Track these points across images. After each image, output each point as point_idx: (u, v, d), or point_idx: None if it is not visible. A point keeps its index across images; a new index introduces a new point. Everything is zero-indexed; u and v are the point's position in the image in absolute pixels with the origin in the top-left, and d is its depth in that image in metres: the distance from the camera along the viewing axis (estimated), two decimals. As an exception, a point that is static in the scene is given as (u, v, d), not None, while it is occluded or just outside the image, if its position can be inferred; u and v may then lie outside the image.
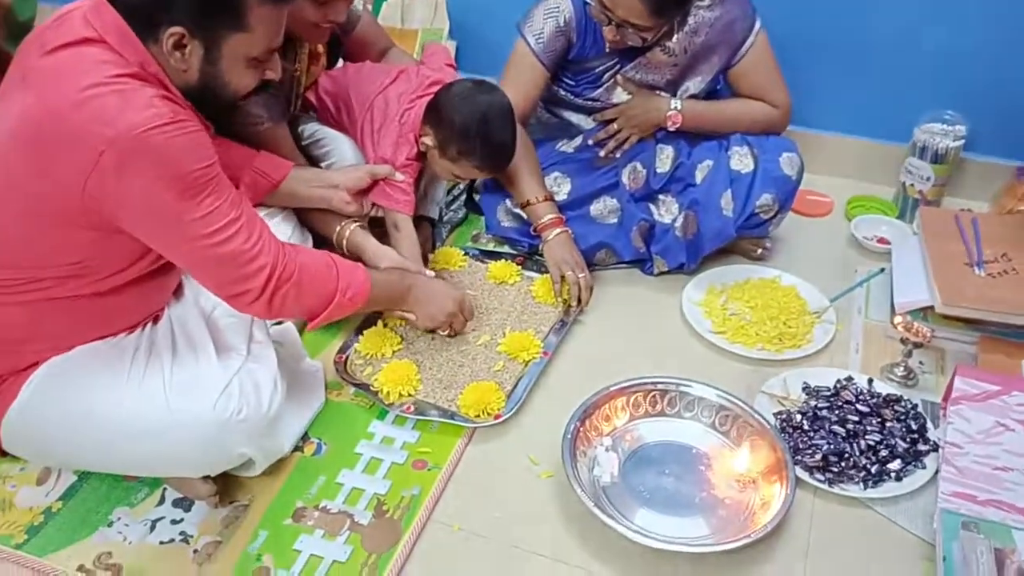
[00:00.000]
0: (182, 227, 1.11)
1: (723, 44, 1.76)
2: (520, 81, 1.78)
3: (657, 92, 1.82)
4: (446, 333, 1.60)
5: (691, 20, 1.72)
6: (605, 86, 1.83)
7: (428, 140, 1.63)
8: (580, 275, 1.70)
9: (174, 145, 1.06)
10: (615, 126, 1.84)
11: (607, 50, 1.76)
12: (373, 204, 1.68)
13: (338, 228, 1.63)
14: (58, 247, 1.12)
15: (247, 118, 1.55)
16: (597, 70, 1.81)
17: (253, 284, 1.18)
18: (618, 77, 1.80)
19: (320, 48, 1.73)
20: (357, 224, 1.64)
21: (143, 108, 1.04)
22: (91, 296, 1.19)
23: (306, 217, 1.67)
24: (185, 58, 1.12)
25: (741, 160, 1.75)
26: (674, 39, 1.73)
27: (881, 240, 1.97)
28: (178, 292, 1.39)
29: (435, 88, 1.65)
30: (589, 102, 1.86)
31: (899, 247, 1.86)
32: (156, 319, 1.33)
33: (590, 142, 1.87)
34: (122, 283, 1.21)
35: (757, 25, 1.77)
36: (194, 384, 1.22)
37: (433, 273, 1.66)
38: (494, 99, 1.61)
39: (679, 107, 1.79)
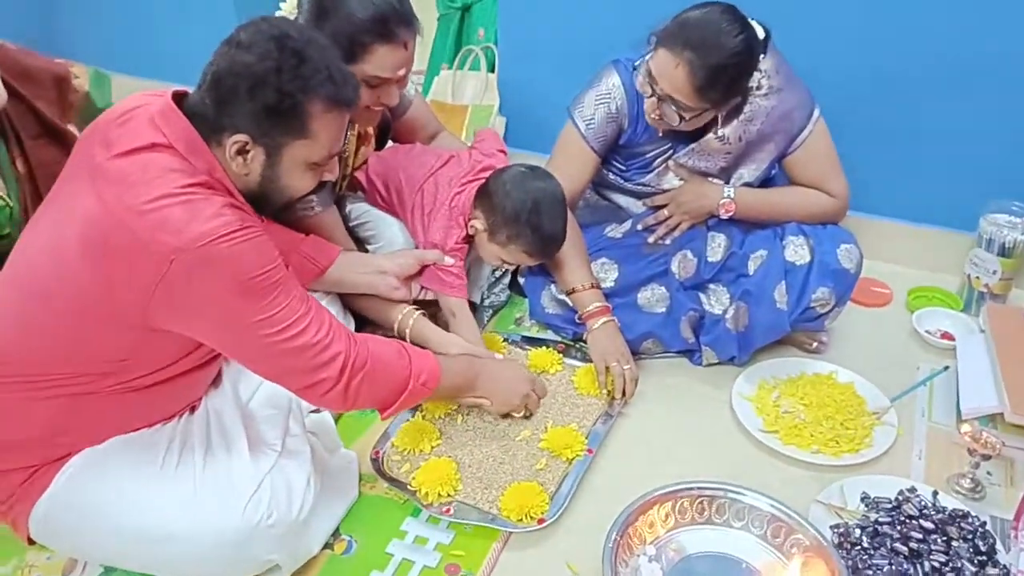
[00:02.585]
0: (252, 329, 1.11)
1: (780, 133, 1.72)
2: (569, 165, 1.76)
3: (710, 179, 1.77)
4: (521, 415, 1.56)
5: (747, 108, 1.68)
6: (656, 171, 1.80)
7: (478, 224, 1.62)
8: (625, 367, 1.64)
9: (240, 252, 1.06)
10: (665, 212, 1.80)
11: (659, 135, 1.73)
12: (420, 288, 1.66)
13: (400, 316, 1.62)
14: (103, 346, 1.12)
15: (297, 204, 1.55)
16: (648, 155, 1.79)
17: (329, 372, 1.17)
18: (670, 163, 1.77)
19: (370, 129, 1.73)
20: (419, 312, 1.62)
21: (211, 218, 1.05)
22: (130, 392, 1.18)
23: (360, 302, 1.65)
24: (247, 163, 1.13)
25: (796, 251, 1.69)
26: (730, 127, 1.69)
27: (945, 335, 1.88)
28: (216, 381, 1.37)
29: (486, 173, 1.65)
30: (639, 186, 1.83)
31: (964, 344, 1.77)
32: (193, 409, 1.32)
33: (639, 227, 1.83)
34: (163, 379, 1.20)
35: (816, 113, 1.72)
36: (225, 485, 1.19)
37: (502, 356, 1.63)
38: (547, 186, 1.60)
39: (732, 195, 1.75)
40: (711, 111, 1.63)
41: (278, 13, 1.56)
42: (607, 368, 1.65)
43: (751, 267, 1.72)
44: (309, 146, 1.14)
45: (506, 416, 1.57)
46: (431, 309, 1.69)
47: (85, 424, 1.19)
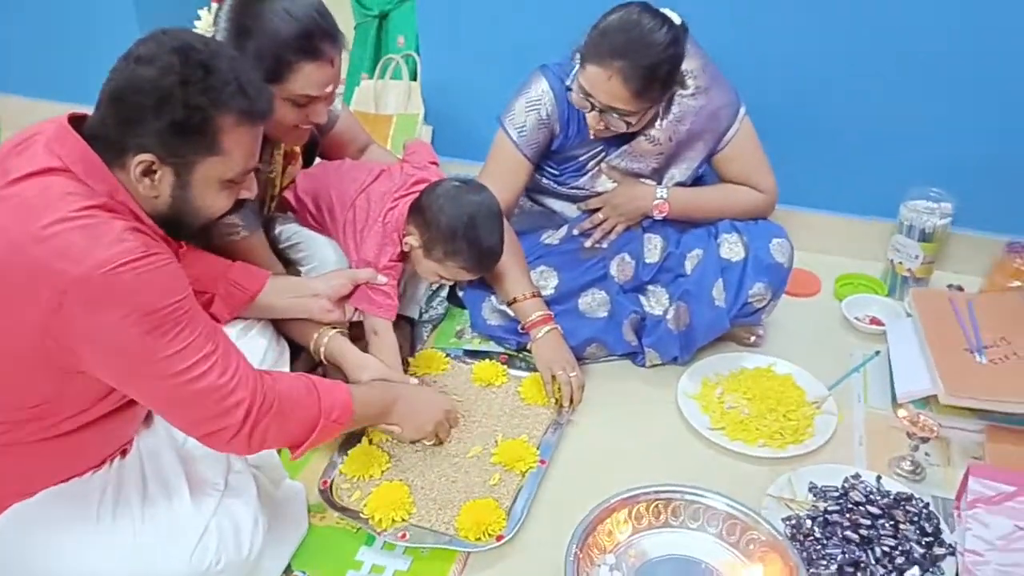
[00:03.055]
0: (152, 366, 1.03)
1: (708, 132, 1.73)
2: (503, 174, 1.75)
3: (643, 180, 1.78)
4: (432, 443, 1.52)
5: (675, 109, 1.69)
6: (590, 174, 1.80)
7: (413, 240, 1.58)
8: (572, 374, 1.64)
9: (144, 281, 0.99)
10: (600, 215, 1.80)
11: (591, 138, 1.73)
12: (355, 308, 1.62)
13: (315, 336, 1.56)
14: (15, 391, 1.04)
15: (221, 228, 1.48)
16: (581, 159, 1.78)
17: (231, 420, 1.10)
18: (602, 165, 1.77)
19: (296, 148, 1.68)
20: (336, 331, 1.57)
21: (112, 244, 0.97)
22: (53, 438, 1.10)
23: (282, 326, 1.59)
24: (155, 185, 1.05)
25: (731, 248, 1.71)
26: (658, 126, 1.70)
27: (874, 320, 1.94)
28: (148, 420, 1.30)
29: (419, 187, 1.61)
30: (573, 190, 1.82)
31: (894, 330, 1.83)
32: (124, 452, 1.24)
33: (575, 232, 1.83)
34: (86, 422, 1.12)
35: (742, 112, 1.75)
36: (167, 533, 1.13)
37: (416, 380, 1.59)
38: (482, 199, 1.57)
39: (665, 195, 1.76)
40: (654, 108, 1.63)
41: (194, 32, 1.50)
42: (553, 377, 1.64)
43: (688, 266, 1.74)
44: (222, 163, 1.08)
45: (415, 442, 1.53)
46: (357, 331, 1.64)
47: (10, 477, 1.11)
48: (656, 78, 1.55)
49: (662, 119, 1.70)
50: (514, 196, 1.77)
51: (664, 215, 1.77)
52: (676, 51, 1.57)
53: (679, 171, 1.78)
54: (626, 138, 1.73)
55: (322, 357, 1.56)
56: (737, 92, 1.75)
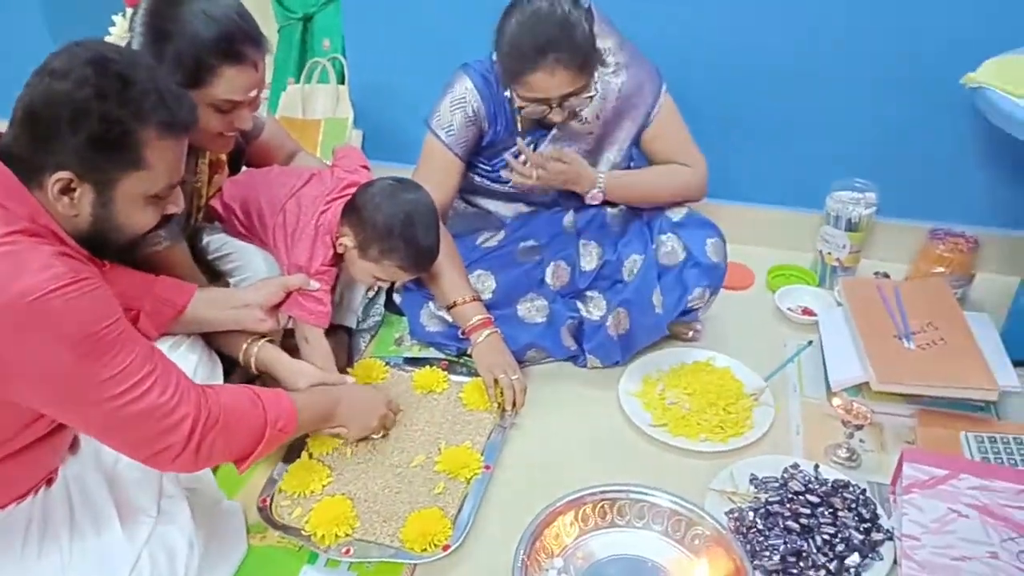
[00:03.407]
0: (89, 391, 0.99)
1: (634, 108, 1.75)
2: (436, 176, 1.73)
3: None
4: (380, 436, 1.53)
5: (599, 87, 1.70)
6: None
7: (347, 241, 1.55)
8: (514, 377, 1.63)
9: (74, 307, 0.95)
10: (535, 173, 1.70)
11: (519, 131, 1.73)
12: (289, 316, 1.57)
13: (244, 346, 1.50)
14: None
15: (142, 240, 1.42)
16: (512, 150, 1.77)
17: (175, 437, 1.07)
18: (540, 151, 1.74)
19: (222, 156, 1.62)
20: (265, 340, 1.52)
21: (39, 271, 0.93)
22: (-28, 469, 1.05)
23: (212, 339, 1.54)
24: (74, 203, 1.01)
25: (668, 253, 1.72)
26: (586, 108, 1.70)
27: (806, 311, 1.97)
28: (74, 447, 1.24)
29: (351, 189, 1.58)
30: (508, 187, 1.81)
31: (825, 320, 1.86)
32: (50, 482, 1.18)
33: (503, 174, 1.77)
34: (9, 452, 1.07)
35: (663, 88, 1.77)
36: (97, 566, 1.09)
37: (353, 379, 1.58)
38: (418, 197, 1.55)
39: (602, 185, 1.75)
40: (596, 69, 1.64)
41: (108, 39, 1.44)
42: (496, 380, 1.62)
43: (625, 274, 1.74)
44: (145, 178, 1.04)
45: (364, 440, 1.53)
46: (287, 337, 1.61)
47: (-75, 513, 1.05)
48: (588, 44, 1.56)
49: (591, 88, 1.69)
50: (448, 198, 1.76)
51: (597, 202, 1.77)
52: (590, 17, 1.58)
53: (612, 153, 1.79)
54: (549, 125, 1.72)
55: (253, 367, 1.51)
56: (658, 70, 1.77)
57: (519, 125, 1.72)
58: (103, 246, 1.07)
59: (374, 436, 1.53)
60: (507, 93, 1.64)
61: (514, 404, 1.63)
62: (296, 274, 1.56)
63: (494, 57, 1.62)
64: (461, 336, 1.70)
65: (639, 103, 1.75)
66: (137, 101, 1.00)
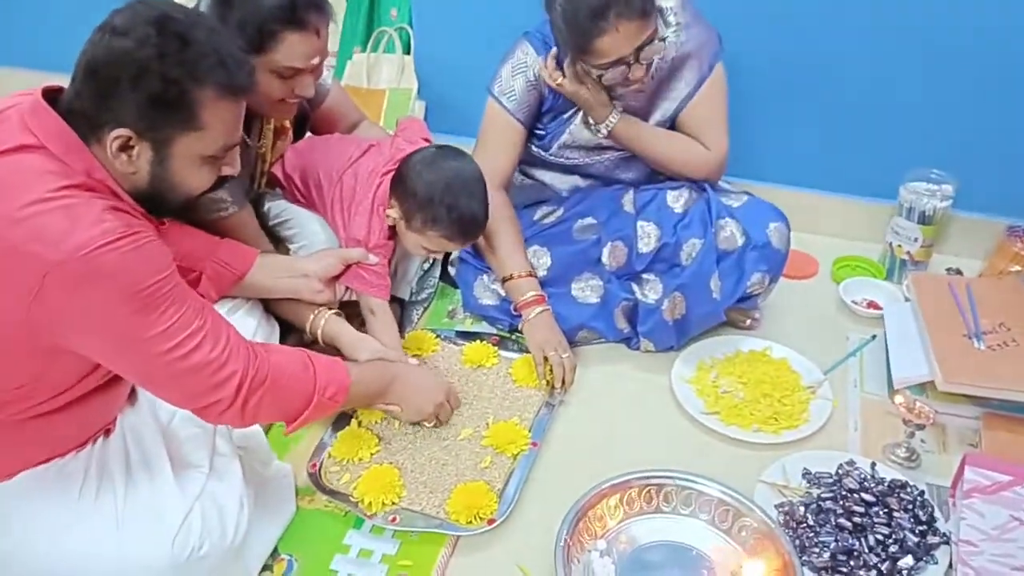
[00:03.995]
0: (142, 344, 1.01)
1: (688, 70, 1.69)
2: (499, 143, 1.73)
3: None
4: (432, 425, 1.51)
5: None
6: (570, 129, 1.74)
7: (393, 213, 1.55)
8: (564, 355, 1.62)
9: (127, 261, 0.96)
10: (566, 84, 1.65)
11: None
12: (346, 288, 1.59)
13: (312, 317, 1.53)
14: None
15: (209, 204, 1.45)
16: (567, 115, 1.75)
17: (224, 393, 1.09)
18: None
19: (286, 122, 1.64)
20: (332, 312, 1.54)
21: (91, 225, 0.95)
22: (35, 418, 1.08)
23: (275, 305, 1.56)
24: (132, 160, 1.02)
25: (728, 237, 1.67)
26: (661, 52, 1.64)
27: (871, 304, 1.91)
28: (132, 398, 1.27)
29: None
30: (561, 156, 1.79)
31: (891, 314, 1.80)
32: (108, 431, 1.22)
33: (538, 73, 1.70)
34: (70, 401, 1.10)
35: (720, 57, 1.71)
36: (150, 516, 1.11)
37: (416, 360, 1.56)
38: (460, 164, 1.53)
39: (615, 120, 1.68)
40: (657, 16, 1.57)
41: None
42: (545, 358, 1.61)
43: (684, 257, 1.69)
44: (201, 138, 1.04)
45: (415, 424, 1.51)
46: (355, 309, 1.62)
47: (-12, 458, 1.09)
48: None
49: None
50: (511, 164, 1.75)
51: (602, 136, 1.71)
52: None
53: (660, 112, 1.74)
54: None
55: (319, 338, 1.53)
56: (720, 37, 1.71)
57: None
58: (160, 205, 1.09)
59: (426, 423, 1.50)
60: (577, 67, 1.60)
61: (563, 382, 1.61)
62: (355, 247, 1.57)
63: (591, 64, 1.56)
64: (514, 311, 1.70)
65: (694, 65, 1.69)
66: (195, 62, 1.00)
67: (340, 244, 1.61)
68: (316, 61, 1.41)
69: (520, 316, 1.67)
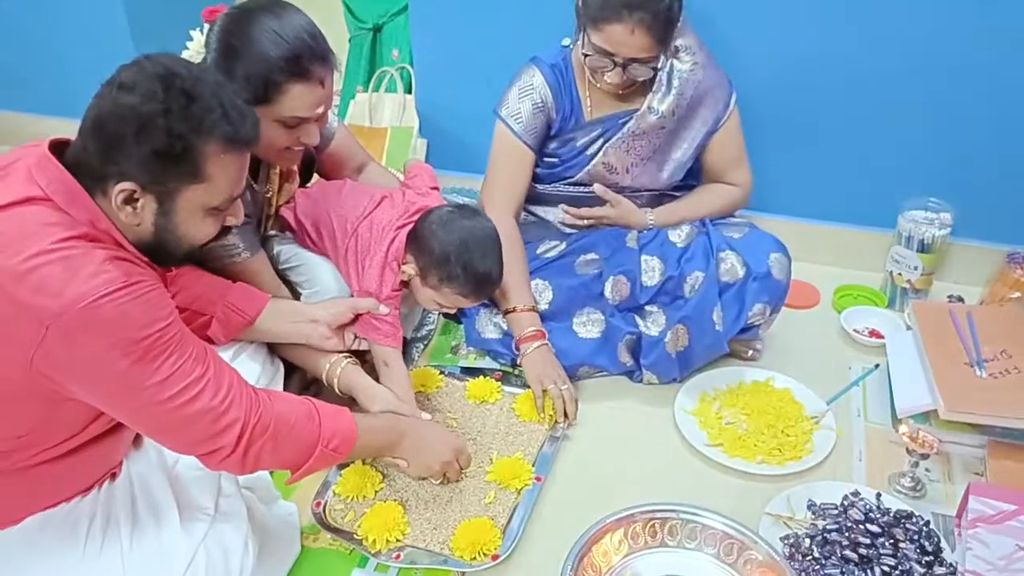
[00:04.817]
0: (142, 393, 1.02)
1: (706, 109, 1.76)
2: (507, 166, 1.77)
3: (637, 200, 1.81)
4: (438, 482, 1.48)
5: (676, 83, 1.72)
6: (587, 169, 1.79)
7: (410, 269, 1.56)
8: (563, 387, 1.62)
9: (126, 310, 0.98)
10: (589, 218, 1.82)
11: (587, 121, 1.76)
12: (356, 336, 1.59)
13: (328, 366, 1.53)
14: (1, 422, 1.03)
15: (220, 250, 1.47)
16: (579, 143, 1.79)
17: (224, 441, 1.09)
18: (596, 186, 1.78)
19: (293, 166, 1.66)
20: (348, 360, 1.54)
21: (91, 276, 0.96)
22: (40, 464, 1.08)
23: (286, 350, 1.57)
24: (137, 212, 1.04)
25: (729, 269, 1.69)
26: (664, 103, 1.72)
27: (873, 333, 1.92)
28: (137, 442, 1.28)
29: (419, 216, 1.59)
30: (569, 188, 1.82)
31: (893, 343, 1.80)
32: (114, 475, 1.23)
33: (560, 222, 1.84)
34: (75, 447, 1.11)
35: (734, 97, 1.78)
36: (156, 560, 1.11)
37: (429, 416, 1.54)
38: (476, 224, 1.55)
39: (653, 219, 1.80)
40: (665, 51, 1.65)
41: (184, 54, 1.48)
42: (544, 391, 1.62)
43: (687, 290, 1.71)
44: (206, 190, 1.06)
45: (422, 480, 1.49)
46: (364, 357, 1.62)
47: (-6, 506, 1.10)
48: (672, 18, 1.57)
49: (666, 94, 1.72)
50: (521, 189, 1.79)
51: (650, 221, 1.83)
52: None
53: (679, 152, 1.80)
54: (624, 120, 1.74)
55: (336, 387, 1.53)
56: (729, 79, 1.78)
57: (587, 114, 1.74)
58: (164, 255, 1.10)
59: (434, 481, 1.47)
60: (577, 41, 1.65)
61: (566, 415, 1.62)
62: (366, 297, 1.58)
63: (586, 39, 1.62)
64: (515, 349, 1.71)
65: (711, 104, 1.77)
66: (200, 117, 1.02)
67: (351, 293, 1.62)
68: (321, 110, 1.42)
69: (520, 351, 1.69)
